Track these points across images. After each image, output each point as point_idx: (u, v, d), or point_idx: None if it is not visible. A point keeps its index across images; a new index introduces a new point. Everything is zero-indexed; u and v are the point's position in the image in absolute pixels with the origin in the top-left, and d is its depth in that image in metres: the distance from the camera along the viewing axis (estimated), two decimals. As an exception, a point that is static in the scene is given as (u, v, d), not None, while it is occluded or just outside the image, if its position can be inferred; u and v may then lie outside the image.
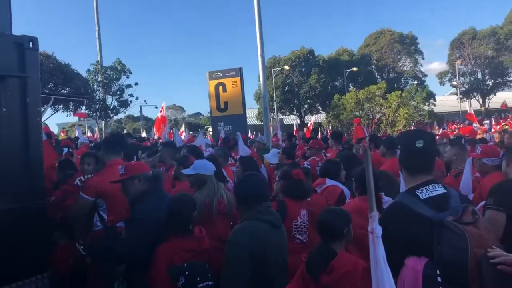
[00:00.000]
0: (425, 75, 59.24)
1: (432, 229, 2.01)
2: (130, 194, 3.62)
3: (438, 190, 2.21)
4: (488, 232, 2.04)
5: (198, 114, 78.22)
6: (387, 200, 3.33)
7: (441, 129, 32.26)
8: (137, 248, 3.31)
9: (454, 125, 38.03)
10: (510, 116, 41.11)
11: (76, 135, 19.48)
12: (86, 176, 4.66)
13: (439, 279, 1.92)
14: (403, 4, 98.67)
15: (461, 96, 54.25)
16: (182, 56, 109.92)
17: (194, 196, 3.72)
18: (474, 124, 34.04)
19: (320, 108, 52.21)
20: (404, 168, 2.37)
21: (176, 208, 3.27)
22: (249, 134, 21.26)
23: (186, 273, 2.89)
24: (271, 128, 16.00)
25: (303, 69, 51.79)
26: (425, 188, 2.21)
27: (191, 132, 27.78)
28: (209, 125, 36.06)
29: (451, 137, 11.46)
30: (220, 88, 14.84)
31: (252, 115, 46.18)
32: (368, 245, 1.72)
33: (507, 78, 56.30)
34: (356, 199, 3.73)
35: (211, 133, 19.43)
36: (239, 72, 14.81)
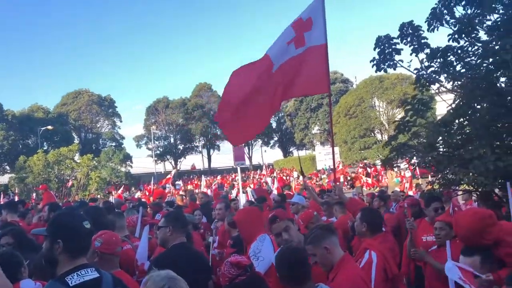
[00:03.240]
0: (123, 138, 61.66)
1: None
2: None
3: (90, 274, 2.16)
4: None
5: None
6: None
7: (138, 190, 33.66)
8: None
9: (150, 187, 40.26)
10: (196, 177, 46.92)
11: None
12: None
13: None
14: (102, 66, 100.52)
15: (156, 158, 58.56)
16: None
17: None
18: (167, 185, 36.91)
19: (8, 168, 46.60)
20: (64, 251, 2.18)
21: None
22: None
23: None
24: None
25: (-14, 124, 45.72)
26: (77, 274, 2.13)
27: None
28: None
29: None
30: None
31: None
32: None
33: (195, 143, 64.50)
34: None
35: None
36: None
